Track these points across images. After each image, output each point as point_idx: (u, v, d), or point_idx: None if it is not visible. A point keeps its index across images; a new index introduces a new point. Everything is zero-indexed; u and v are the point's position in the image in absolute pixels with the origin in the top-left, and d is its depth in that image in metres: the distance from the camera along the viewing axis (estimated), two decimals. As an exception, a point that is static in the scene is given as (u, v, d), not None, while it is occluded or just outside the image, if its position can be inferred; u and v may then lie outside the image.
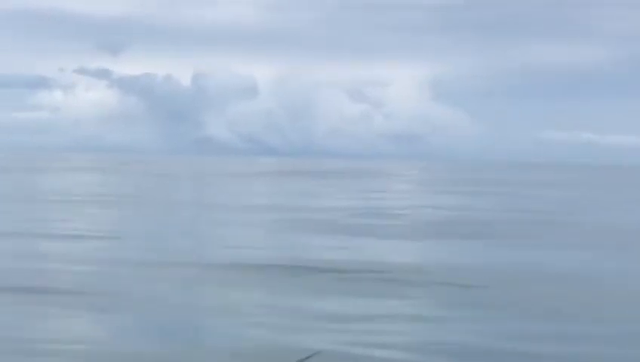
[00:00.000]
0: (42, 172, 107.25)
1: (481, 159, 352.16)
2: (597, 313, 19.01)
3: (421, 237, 33.86)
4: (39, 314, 17.66)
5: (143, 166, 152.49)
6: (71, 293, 19.85)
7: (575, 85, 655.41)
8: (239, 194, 65.73)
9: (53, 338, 15.52)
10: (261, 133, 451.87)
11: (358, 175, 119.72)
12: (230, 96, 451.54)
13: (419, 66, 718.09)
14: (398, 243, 31.95)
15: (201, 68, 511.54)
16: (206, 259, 26.09)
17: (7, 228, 34.36)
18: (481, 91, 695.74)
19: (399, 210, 47.50)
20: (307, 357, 11.84)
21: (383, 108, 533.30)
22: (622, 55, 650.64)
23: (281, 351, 14.44)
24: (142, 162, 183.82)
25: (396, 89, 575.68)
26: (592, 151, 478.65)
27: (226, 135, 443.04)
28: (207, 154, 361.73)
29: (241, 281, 22.18)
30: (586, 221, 44.01)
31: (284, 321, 17.21)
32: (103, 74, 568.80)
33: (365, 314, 18.11)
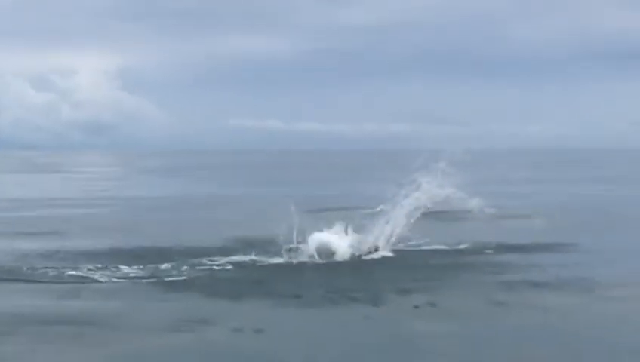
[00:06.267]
0: None
1: (171, 148, 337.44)
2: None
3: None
4: None
5: None
6: None
7: (266, 75, 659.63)
8: None
9: None
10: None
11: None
12: None
13: (108, 55, 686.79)
14: None
15: None
16: None
17: None
18: (172, 81, 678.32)
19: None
20: None
21: (70, 97, 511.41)
22: (309, 47, 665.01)
23: None
24: None
25: (84, 78, 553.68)
26: (279, 138, 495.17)
27: None
28: None
29: None
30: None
31: None
32: None
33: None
